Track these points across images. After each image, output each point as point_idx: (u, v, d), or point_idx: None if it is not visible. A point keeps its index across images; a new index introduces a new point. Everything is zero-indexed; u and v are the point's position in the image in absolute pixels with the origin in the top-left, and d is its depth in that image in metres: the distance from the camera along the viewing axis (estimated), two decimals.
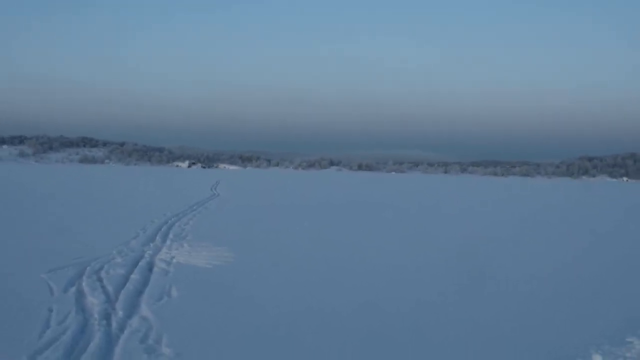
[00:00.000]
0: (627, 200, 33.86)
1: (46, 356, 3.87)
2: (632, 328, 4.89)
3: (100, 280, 6.16)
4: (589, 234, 13.15)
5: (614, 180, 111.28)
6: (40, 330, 4.42)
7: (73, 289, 5.70)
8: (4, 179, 34.39)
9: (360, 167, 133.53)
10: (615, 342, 4.49)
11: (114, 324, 4.69)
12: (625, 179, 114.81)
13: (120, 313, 4.99)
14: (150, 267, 6.98)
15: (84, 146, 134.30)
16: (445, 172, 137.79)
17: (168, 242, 9.08)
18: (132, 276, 6.36)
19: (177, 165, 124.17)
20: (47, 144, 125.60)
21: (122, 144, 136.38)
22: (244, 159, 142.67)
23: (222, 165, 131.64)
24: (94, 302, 5.31)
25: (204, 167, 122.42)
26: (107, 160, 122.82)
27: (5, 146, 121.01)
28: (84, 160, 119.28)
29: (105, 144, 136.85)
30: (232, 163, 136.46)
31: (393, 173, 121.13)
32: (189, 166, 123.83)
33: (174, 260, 7.44)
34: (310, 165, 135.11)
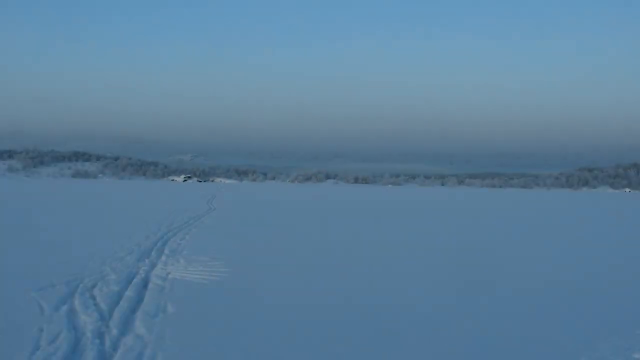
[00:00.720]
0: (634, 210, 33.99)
1: None
2: None
3: (93, 297, 5.99)
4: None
5: (616, 191, 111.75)
6: (30, 351, 4.25)
7: (65, 308, 5.52)
8: None
9: (356, 180, 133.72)
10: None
11: (108, 343, 4.53)
12: (627, 189, 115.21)
13: (114, 331, 4.82)
14: (145, 284, 6.82)
15: (77, 160, 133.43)
16: (442, 184, 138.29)
17: (163, 257, 8.91)
18: (127, 293, 6.20)
19: (173, 180, 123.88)
20: (37, 158, 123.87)
21: (116, 158, 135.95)
22: (240, 173, 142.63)
23: (218, 179, 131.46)
24: (87, 320, 5.14)
25: (200, 181, 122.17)
26: (100, 175, 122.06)
27: None
28: (77, 174, 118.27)
29: (98, 158, 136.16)
30: (228, 177, 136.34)
31: (389, 186, 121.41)
32: (185, 180, 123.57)
33: (170, 276, 7.28)
34: (307, 178, 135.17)
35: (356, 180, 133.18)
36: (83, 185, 60.09)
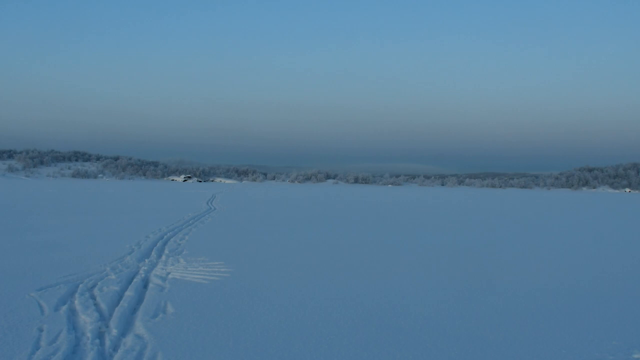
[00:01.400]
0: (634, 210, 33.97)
1: None
2: None
3: (93, 297, 5.99)
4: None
5: (616, 191, 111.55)
6: (30, 351, 4.25)
7: (65, 308, 5.52)
8: None
9: (356, 180, 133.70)
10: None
11: (108, 343, 4.53)
12: (627, 189, 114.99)
13: (114, 331, 4.82)
14: (145, 284, 6.82)
15: (77, 160, 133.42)
16: (442, 184, 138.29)
17: (163, 257, 8.91)
18: (127, 293, 6.20)
19: (173, 180, 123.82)
20: (37, 158, 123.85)
21: (116, 158, 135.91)
22: (240, 173, 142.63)
23: (218, 179, 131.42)
24: (87, 320, 5.14)
25: (200, 181, 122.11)
26: (100, 175, 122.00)
27: None
28: (77, 174, 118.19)
29: (98, 158, 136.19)
30: (228, 177, 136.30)
31: (389, 186, 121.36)
32: (185, 180, 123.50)
33: (170, 276, 7.28)
34: (307, 178, 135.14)
35: (356, 180, 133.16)
36: (83, 185, 60.08)
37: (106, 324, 5.04)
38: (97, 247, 9.84)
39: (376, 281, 7.33)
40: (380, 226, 16.05)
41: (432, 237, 13.18)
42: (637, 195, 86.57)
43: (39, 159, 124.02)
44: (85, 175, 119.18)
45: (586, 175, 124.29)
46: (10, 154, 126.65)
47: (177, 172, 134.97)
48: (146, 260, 8.56)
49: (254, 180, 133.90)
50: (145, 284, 6.81)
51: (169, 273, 7.50)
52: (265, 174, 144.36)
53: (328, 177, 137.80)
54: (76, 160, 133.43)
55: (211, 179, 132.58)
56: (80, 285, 6.48)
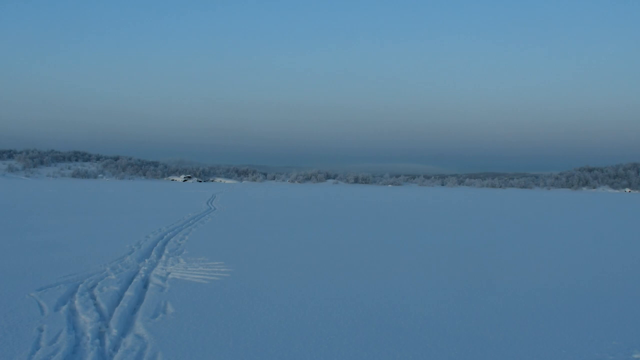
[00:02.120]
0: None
1: None
2: None
3: (93, 297, 5.99)
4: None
5: (616, 191, 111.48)
6: (30, 351, 4.25)
7: (65, 307, 5.52)
8: None
9: (356, 180, 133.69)
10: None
11: (108, 343, 4.53)
12: (627, 189, 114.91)
13: (114, 331, 4.82)
14: (145, 284, 6.82)
15: (77, 160, 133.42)
16: (442, 184, 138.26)
17: (163, 257, 8.91)
18: (127, 293, 6.20)
19: (173, 180, 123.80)
20: (37, 158, 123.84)
21: (116, 158, 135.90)
22: (240, 173, 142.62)
23: (218, 179, 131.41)
24: (87, 320, 5.14)
25: (200, 181, 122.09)
26: (100, 175, 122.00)
27: None
28: (77, 174, 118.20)
29: (98, 158, 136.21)
30: (228, 177, 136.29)
31: (389, 186, 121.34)
32: (185, 180, 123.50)
33: (170, 276, 7.28)
34: (307, 178, 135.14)
35: (356, 180, 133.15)
36: (83, 185, 60.08)
37: (106, 324, 5.04)
38: (97, 247, 9.84)
39: (376, 281, 7.33)
40: (380, 226, 16.05)
41: (432, 237, 13.18)
42: (637, 195, 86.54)
43: (39, 159, 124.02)
44: (85, 175, 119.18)
45: (586, 175, 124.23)
46: (10, 154, 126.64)
47: (177, 172, 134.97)
48: (146, 260, 8.56)
49: (254, 180, 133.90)
50: (145, 284, 6.81)
51: (169, 273, 7.49)
52: (265, 174, 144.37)
53: (328, 177, 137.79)
54: (76, 160, 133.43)
55: (211, 179, 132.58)
56: (80, 285, 6.48)
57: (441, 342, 4.77)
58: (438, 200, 39.52)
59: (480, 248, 11.39)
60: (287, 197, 39.45)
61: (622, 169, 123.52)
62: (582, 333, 5.16)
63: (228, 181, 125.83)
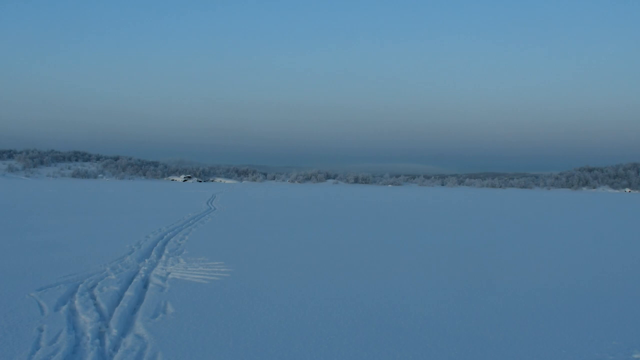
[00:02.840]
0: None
1: None
2: None
3: (93, 297, 5.99)
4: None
5: (616, 191, 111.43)
6: (30, 351, 4.25)
7: (65, 307, 5.52)
8: None
9: (356, 180, 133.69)
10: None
11: (108, 343, 4.53)
12: (627, 189, 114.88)
13: (114, 331, 4.82)
14: (145, 284, 6.82)
15: (77, 160, 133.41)
16: (442, 184, 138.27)
17: (163, 257, 8.91)
18: (127, 293, 6.20)
19: (173, 180, 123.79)
20: (37, 158, 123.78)
21: (116, 158, 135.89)
22: (240, 173, 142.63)
23: (218, 179, 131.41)
24: (87, 320, 5.14)
25: (200, 181, 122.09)
26: (100, 175, 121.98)
27: None
28: (77, 174, 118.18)
29: (98, 158, 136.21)
30: (228, 177, 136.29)
31: (389, 186, 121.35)
32: (185, 180, 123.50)
33: (170, 276, 7.28)
34: (307, 178, 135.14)
35: (356, 180, 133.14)
36: (83, 185, 60.07)
37: (106, 324, 5.04)
38: (97, 247, 9.84)
39: (376, 281, 7.33)
40: (380, 226, 16.05)
41: (432, 237, 13.18)
42: (637, 195, 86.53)
43: (39, 159, 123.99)
44: (85, 175, 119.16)
45: (586, 175, 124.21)
46: (10, 154, 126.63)
47: (177, 172, 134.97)
48: (146, 260, 8.56)
49: (254, 180, 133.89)
50: (145, 284, 6.81)
51: (169, 273, 7.49)
52: (265, 174, 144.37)
53: (328, 177, 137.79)
54: (76, 160, 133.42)
55: (211, 179, 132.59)
56: (80, 285, 6.48)
57: (441, 342, 4.77)
58: (438, 200, 39.52)
59: (480, 248, 11.39)
60: (287, 197, 39.45)
61: (622, 169, 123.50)
62: (582, 333, 5.16)
63: (228, 181, 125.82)
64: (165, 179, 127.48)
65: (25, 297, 5.91)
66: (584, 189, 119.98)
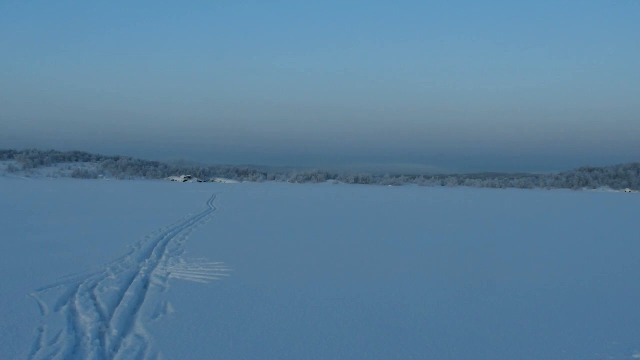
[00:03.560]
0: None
1: None
2: None
3: (93, 297, 5.99)
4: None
5: (616, 191, 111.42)
6: (30, 351, 4.25)
7: (65, 308, 5.52)
8: None
9: (356, 180, 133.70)
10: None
11: (108, 343, 4.53)
12: (627, 189, 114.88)
13: (114, 331, 4.82)
14: (145, 284, 6.82)
15: (77, 160, 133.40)
16: (442, 184, 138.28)
17: (163, 257, 8.91)
18: (127, 293, 6.20)
19: (173, 180, 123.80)
20: (37, 158, 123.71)
21: (116, 158, 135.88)
22: (240, 173, 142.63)
23: (218, 179, 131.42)
24: (87, 320, 5.14)
25: (200, 181, 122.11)
26: (100, 175, 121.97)
27: None
28: (77, 174, 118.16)
29: (98, 158, 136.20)
30: (228, 177, 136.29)
31: (389, 186, 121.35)
32: (185, 180, 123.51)
33: (170, 276, 7.28)
34: (307, 178, 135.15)
35: (356, 180, 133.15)
36: (83, 185, 60.07)
37: (106, 324, 5.04)
38: (97, 247, 9.84)
39: (376, 281, 7.33)
40: (380, 226, 16.05)
41: (432, 237, 13.18)
42: (637, 195, 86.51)
43: (39, 159, 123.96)
44: (85, 175, 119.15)
45: (586, 175, 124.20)
46: (10, 154, 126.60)
47: (177, 172, 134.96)
48: (146, 260, 8.56)
49: (254, 180, 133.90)
50: (145, 284, 6.81)
51: (169, 273, 7.50)
52: (265, 174, 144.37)
53: (328, 177, 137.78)
54: (76, 160, 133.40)
55: (211, 179, 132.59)
56: (80, 285, 6.48)
57: (441, 342, 4.77)
58: (438, 200, 39.52)
59: (480, 248, 11.39)
60: (287, 197, 39.45)
61: (622, 169, 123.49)
62: (582, 333, 5.16)
63: (228, 181, 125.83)
64: (165, 179, 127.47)
65: (25, 297, 5.91)
66: (584, 189, 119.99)
